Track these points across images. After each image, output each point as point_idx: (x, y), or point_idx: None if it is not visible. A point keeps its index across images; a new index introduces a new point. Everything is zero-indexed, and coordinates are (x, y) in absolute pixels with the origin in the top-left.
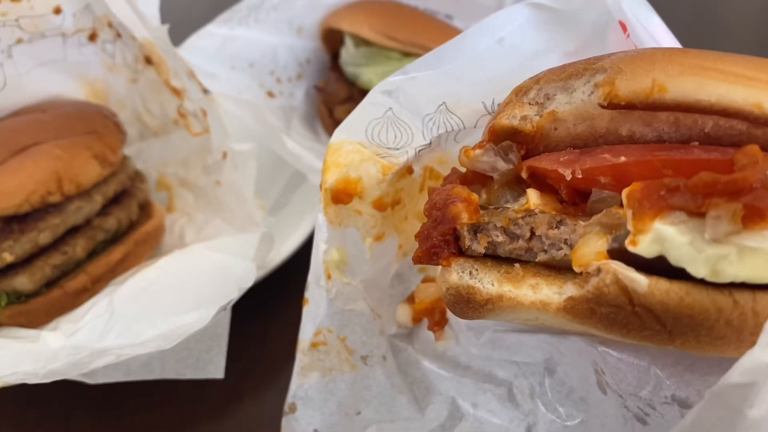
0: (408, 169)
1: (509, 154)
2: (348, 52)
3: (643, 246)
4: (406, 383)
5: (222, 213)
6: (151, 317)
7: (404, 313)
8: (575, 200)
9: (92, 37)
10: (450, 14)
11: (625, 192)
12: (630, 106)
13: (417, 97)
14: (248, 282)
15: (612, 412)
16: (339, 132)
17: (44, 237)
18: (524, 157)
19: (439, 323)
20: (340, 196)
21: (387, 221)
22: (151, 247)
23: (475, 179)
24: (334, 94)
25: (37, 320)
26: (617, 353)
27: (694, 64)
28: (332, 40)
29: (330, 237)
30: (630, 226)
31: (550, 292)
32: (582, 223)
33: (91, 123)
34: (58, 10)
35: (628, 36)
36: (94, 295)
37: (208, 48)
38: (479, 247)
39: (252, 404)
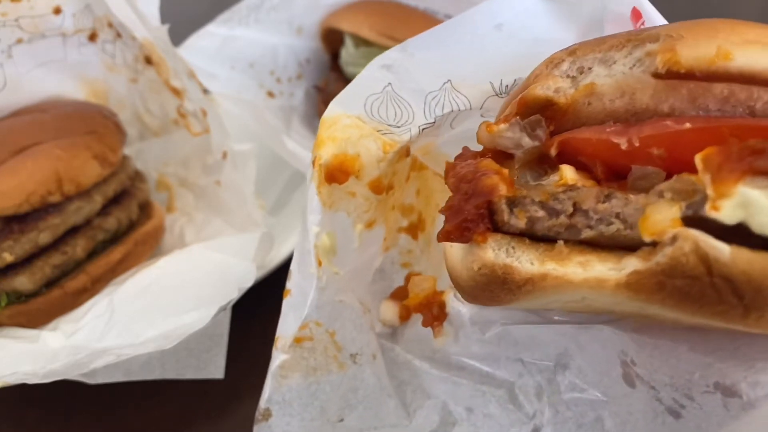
0: (407, 151)
1: (537, 129)
2: (348, 52)
3: (726, 211)
4: (394, 386)
5: (222, 213)
6: (151, 317)
7: (390, 309)
8: (611, 179)
9: (92, 37)
10: (450, 14)
11: (700, 156)
12: (689, 75)
13: (418, 75)
14: (248, 282)
15: (639, 407)
16: (335, 105)
17: (44, 237)
18: (552, 134)
19: (438, 318)
20: (336, 174)
21: (380, 207)
22: (151, 247)
23: (492, 158)
24: (334, 94)
25: (37, 320)
26: (653, 340)
27: (757, 36)
28: (332, 40)
29: (323, 220)
30: (710, 191)
31: (605, 268)
32: (633, 196)
33: (91, 123)
34: (58, 10)
35: (643, 23)
36: (94, 295)
37: (208, 48)
38: (519, 222)
39: (252, 404)
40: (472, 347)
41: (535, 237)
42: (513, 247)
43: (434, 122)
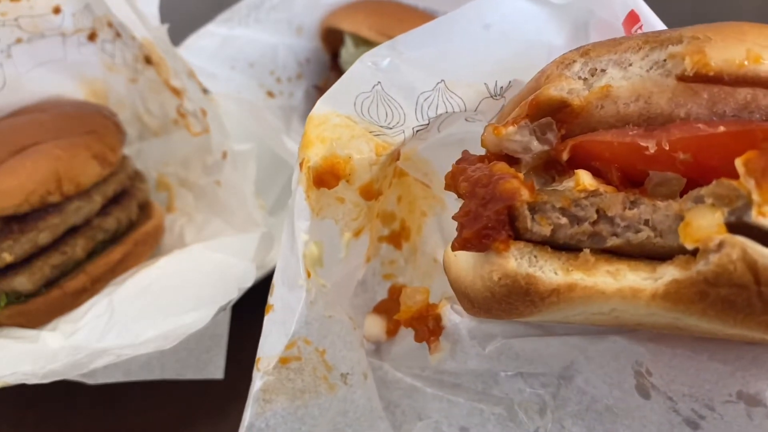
0: (397, 154)
1: (547, 132)
2: (348, 52)
3: None
4: (383, 407)
5: (222, 213)
6: (150, 317)
7: (375, 324)
8: (626, 185)
9: (92, 37)
10: None
11: (741, 160)
12: (717, 78)
13: (409, 73)
14: (248, 282)
15: (654, 419)
16: (323, 104)
17: (44, 237)
18: (562, 138)
19: (434, 332)
20: (326, 178)
21: (369, 214)
22: (151, 247)
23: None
24: None
25: (37, 320)
26: (671, 349)
27: None
28: (332, 39)
29: (311, 227)
30: (756, 196)
31: (638, 278)
32: (661, 203)
33: (91, 123)
34: (57, 10)
35: (640, 28)
36: (93, 295)
37: (208, 48)
38: (543, 230)
39: None
40: (470, 363)
41: (556, 245)
42: (535, 256)
43: (428, 124)
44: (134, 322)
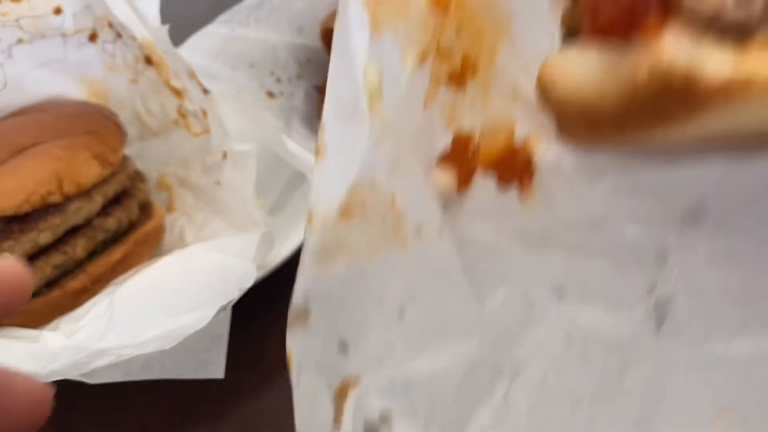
0: None
1: None
2: None
3: None
4: (461, 268)
5: (222, 213)
6: (151, 317)
7: (442, 177)
8: None
9: (92, 38)
10: None
11: None
12: None
13: None
14: (248, 282)
15: None
16: None
17: (44, 237)
18: None
19: (525, 175)
20: None
21: (436, 34)
22: (152, 247)
23: None
24: None
25: (38, 320)
26: None
27: None
28: (332, 40)
29: (371, 46)
30: None
31: None
32: None
33: (91, 123)
34: (58, 11)
35: None
36: (94, 295)
37: (208, 48)
38: (706, 6)
39: (252, 404)
40: (571, 207)
41: (719, 29)
42: (697, 42)
43: None
44: (135, 322)
